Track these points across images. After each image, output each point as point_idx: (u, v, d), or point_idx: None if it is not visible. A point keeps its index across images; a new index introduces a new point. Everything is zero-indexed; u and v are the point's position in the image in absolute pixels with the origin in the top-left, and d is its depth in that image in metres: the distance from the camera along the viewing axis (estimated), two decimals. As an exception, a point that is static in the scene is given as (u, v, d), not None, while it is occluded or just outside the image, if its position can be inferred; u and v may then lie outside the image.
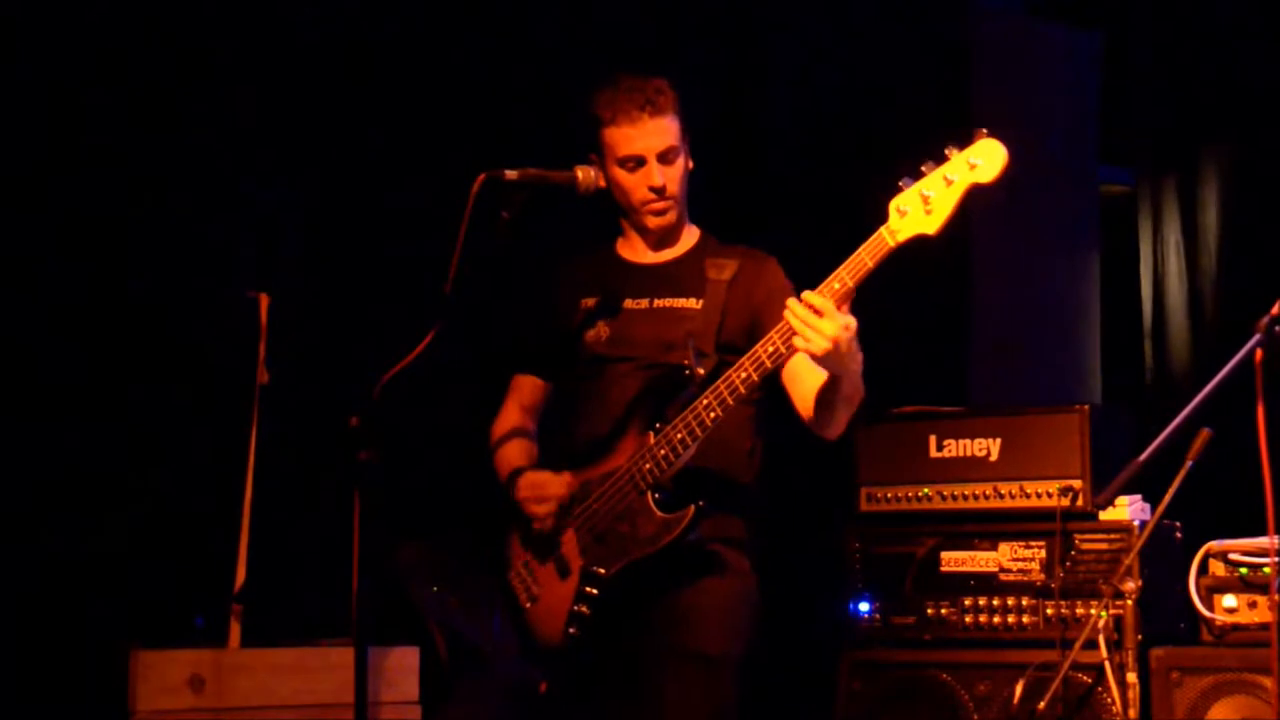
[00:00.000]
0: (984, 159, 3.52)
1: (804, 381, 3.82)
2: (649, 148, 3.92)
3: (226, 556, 5.00)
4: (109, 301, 5.16)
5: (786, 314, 3.57)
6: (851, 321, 3.57)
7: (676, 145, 3.95)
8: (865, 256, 3.58)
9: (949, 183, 3.53)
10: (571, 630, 3.87)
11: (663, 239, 4.04)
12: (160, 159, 5.25)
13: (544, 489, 3.94)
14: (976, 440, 5.04)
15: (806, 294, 3.56)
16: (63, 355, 5.09)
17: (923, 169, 3.57)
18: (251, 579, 4.98)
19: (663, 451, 3.78)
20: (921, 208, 3.54)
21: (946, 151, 3.55)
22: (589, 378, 4.02)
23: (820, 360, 3.60)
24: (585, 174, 3.90)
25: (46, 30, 5.08)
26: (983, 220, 6.08)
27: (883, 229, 3.58)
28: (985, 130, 3.53)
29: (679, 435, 3.76)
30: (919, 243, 3.55)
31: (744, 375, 3.69)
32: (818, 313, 3.52)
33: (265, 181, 5.43)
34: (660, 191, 3.95)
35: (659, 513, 3.79)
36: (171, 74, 5.27)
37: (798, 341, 3.56)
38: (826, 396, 3.76)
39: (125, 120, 5.18)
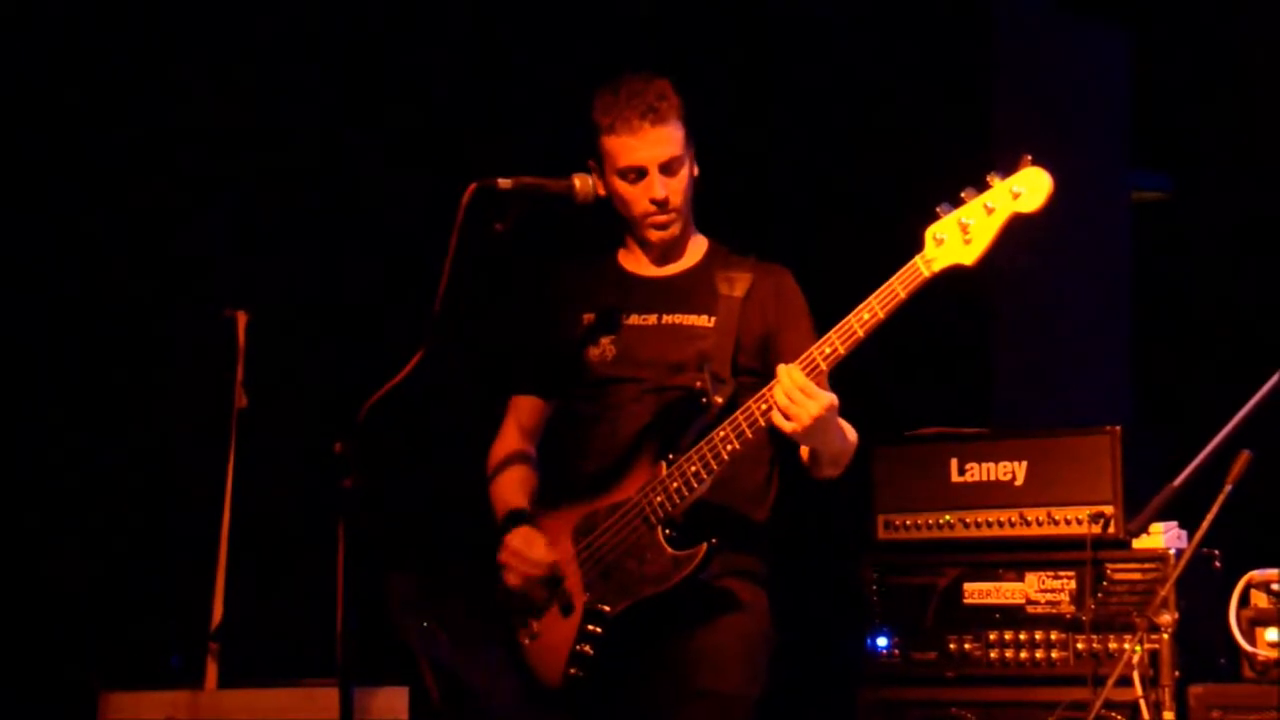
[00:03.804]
0: (1028, 187, 3.54)
1: None
2: (650, 158, 3.91)
3: (202, 591, 5.02)
4: (76, 323, 5.18)
5: (779, 378, 3.67)
6: (832, 400, 3.67)
7: (680, 155, 3.94)
8: (898, 286, 3.60)
9: (990, 211, 3.55)
10: (573, 670, 3.86)
11: (666, 253, 4.04)
12: (133, 169, 5.27)
13: (526, 559, 3.93)
14: (1001, 464, 5.05)
15: (791, 369, 3.66)
16: (25, 383, 5.11)
17: (962, 195, 3.58)
18: (229, 615, 4.99)
19: (675, 484, 3.78)
20: (960, 236, 3.56)
21: (988, 179, 3.56)
22: (592, 399, 4.01)
23: (799, 441, 3.74)
24: (583, 183, 3.89)
25: (17, 34, 5.11)
26: (1007, 231, 6.09)
27: (918, 258, 3.59)
28: (1030, 157, 3.55)
29: (693, 468, 3.76)
30: (955, 273, 3.57)
31: (764, 408, 3.70)
32: (803, 392, 3.63)
33: (243, 192, 5.46)
34: (662, 204, 3.94)
35: (670, 549, 3.79)
36: (146, 78, 5.30)
37: (775, 417, 3.67)
38: (808, 461, 3.92)
39: (98, 128, 5.21)
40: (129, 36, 5.30)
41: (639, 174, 3.93)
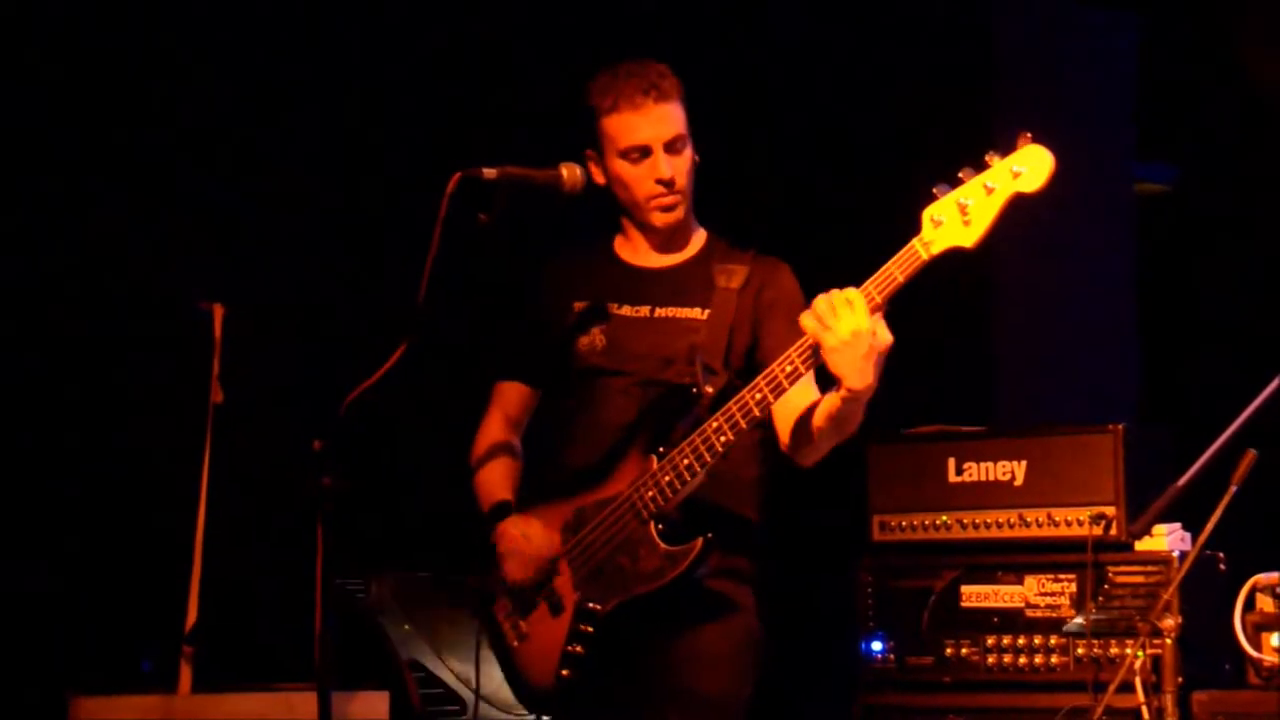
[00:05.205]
0: (1029, 166, 3.52)
1: (790, 400, 3.77)
2: (655, 136, 3.89)
3: (176, 593, 5.01)
4: (47, 317, 5.18)
5: (814, 303, 3.55)
6: (883, 334, 3.56)
7: (684, 134, 3.92)
8: (895, 270, 3.57)
9: (989, 191, 3.53)
10: (564, 672, 3.86)
11: (670, 239, 4.02)
12: (107, 157, 5.27)
13: (530, 546, 3.91)
14: (1000, 463, 5.05)
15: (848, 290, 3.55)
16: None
17: (960, 175, 3.56)
18: (204, 618, 4.99)
19: (667, 478, 3.77)
20: (959, 218, 3.55)
21: (987, 158, 3.55)
22: (580, 392, 4.01)
23: (829, 358, 3.57)
24: (571, 172, 3.88)
25: (15, 33, 5.11)
26: (1007, 222, 6.10)
27: (915, 240, 3.57)
28: (1030, 135, 3.54)
29: (685, 460, 3.75)
30: (953, 256, 3.57)
31: (759, 397, 3.67)
32: (848, 303, 3.52)
33: (220, 181, 5.46)
34: (669, 184, 3.91)
35: (663, 545, 3.78)
36: (122, 65, 5.30)
37: (806, 321, 3.55)
38: (815, 421, 3.76)
39: (71, 117, 5.21)
40: (111, 21, 5.31)
41: (643, 153, 3.90)
